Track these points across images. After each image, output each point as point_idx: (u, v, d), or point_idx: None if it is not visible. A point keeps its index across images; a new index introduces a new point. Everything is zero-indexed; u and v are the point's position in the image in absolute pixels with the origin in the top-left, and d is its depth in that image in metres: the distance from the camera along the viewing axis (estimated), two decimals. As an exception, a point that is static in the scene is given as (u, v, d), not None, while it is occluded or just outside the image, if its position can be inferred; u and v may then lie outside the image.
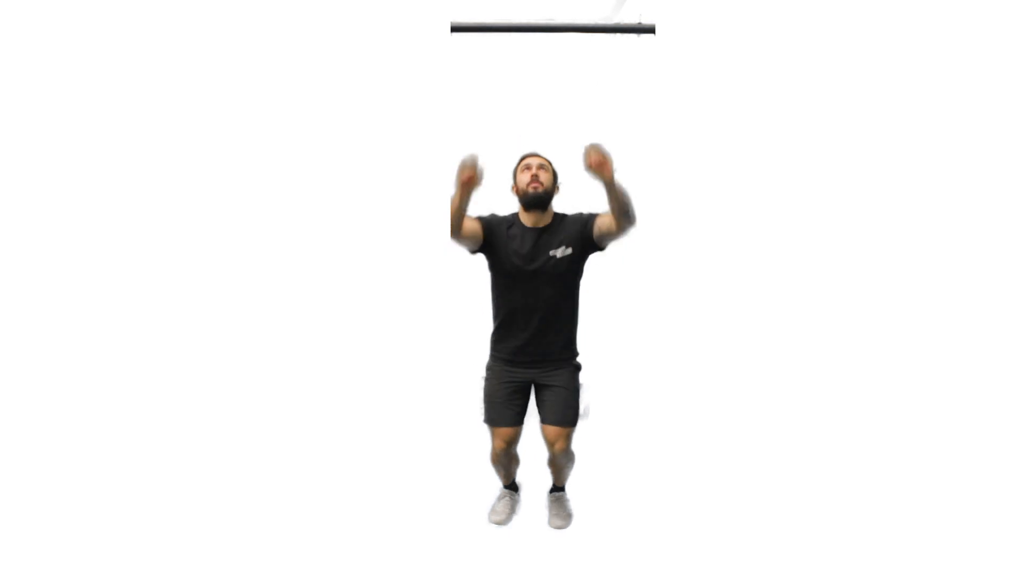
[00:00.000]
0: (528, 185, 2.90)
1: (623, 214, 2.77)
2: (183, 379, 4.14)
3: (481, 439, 3.41)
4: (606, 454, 3.53)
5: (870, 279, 4.38)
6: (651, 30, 2.82)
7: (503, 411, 3.01)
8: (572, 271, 2.89)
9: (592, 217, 2.88)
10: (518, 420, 3.03)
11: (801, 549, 2.77)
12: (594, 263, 3.28)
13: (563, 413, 2.98)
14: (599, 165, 2.65)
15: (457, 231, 2.88)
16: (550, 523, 3.14)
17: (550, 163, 2.97)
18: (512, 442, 3.06)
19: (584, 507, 3.11)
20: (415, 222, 4.60)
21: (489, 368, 3.07)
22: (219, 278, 4.39)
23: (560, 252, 2.86)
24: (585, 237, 2.87)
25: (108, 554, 2.74)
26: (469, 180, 2.75)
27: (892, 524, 2.92)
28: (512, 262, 2.86)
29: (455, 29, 2.83)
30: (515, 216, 2.96)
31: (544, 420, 3.01)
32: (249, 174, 4.42)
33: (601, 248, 2.90)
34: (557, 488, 3.25)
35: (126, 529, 2.89)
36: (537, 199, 2.89)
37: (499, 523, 3.14)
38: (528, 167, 2.93)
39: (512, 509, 3.22)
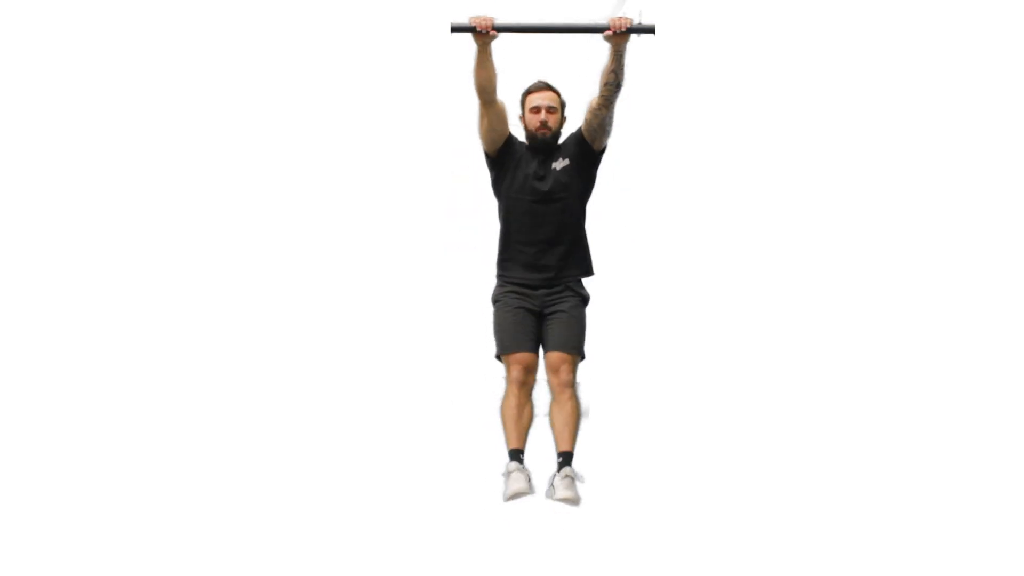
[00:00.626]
0: (537, 130, 2.97)
1: (617, 84, 2.86)
2: (186, 378, 4.13)
3: (487, 437, 3.37)
4: (608, 454, 3.51)
5: (867, 274, 4.37)
6: (651, 30, 2.82)
7: (516, 336, 2.98)
8: (573, 184, 2.96)
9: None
10: (533, 347, 2.99)
11: (804, 543, 2.77)
12: (597, 252, 3.26)
13: (566, 338, 2.97)
14: (621, 26, 2.78)
15: (490, 91, 2.89)
16: (557, 495, 2.89)
17: (558, 96, 3.02)
18: (529, 370, 2.98)
19: (588, 507, 3.08)
20: (415, 220, 4.60)
21: (497, 296, 3.05)
22: (219, 275, 4.37)
23: (559, 164, 2.94)
24: (579, 141, 2.96)
25: (107, 551, 2.73)
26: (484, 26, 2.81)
27: (891, 518, 2.92)
28: (523, 176, 2.94)
29: (455, 29, 2.83)
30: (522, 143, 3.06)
31: (547, 347, 2.99)
32: (249, 173, 4.41)
33: (595, 147, 2.96)
34: (564, 460, 2.97)
35: (125, 526, 2.89)
36: (545, 144, 2.98)
37: (518, 493, 2.89)
38: (537, 109, 2.98)
39: (529, 480, 2.94)
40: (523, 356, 2.98)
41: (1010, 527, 2.87)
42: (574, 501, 2.90)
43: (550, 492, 2.94)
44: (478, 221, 3.30)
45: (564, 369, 2.97)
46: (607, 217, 4.03)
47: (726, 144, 4.36)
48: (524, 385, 3.00)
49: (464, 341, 3.78)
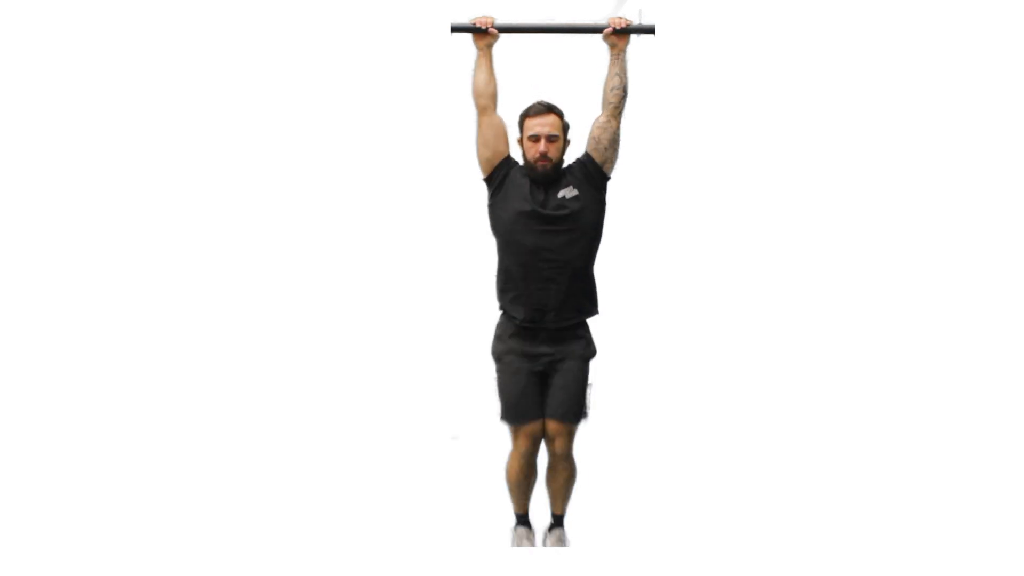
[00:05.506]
0: (537, 162, 2.72)
1: (623, 87, 2.75)
2: (185, 379, 4.13)
3: (490, 435, 3.33)
4: (608, 455, 3.51)
5: (867, 274, 4.37)
6: (651, 30, 2.82)
7: (521, 405, 2.78)
8: (582, 214, 2.72)
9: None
10: (539, 412, 2.80)
11: (803, 548, 2.77)
12: (600, 256, 3.21)
13: (568, 406, 2.79)
14: (620, 24, 2.69)
15: (488, 95, 2.76)
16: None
17: (560, 119, 2.77)
18: (535, 441, 2.82)
19: (587, 509, 3.08)
20: (415, 220, 4.60)
21: (497, 353, 2.84)
22: (219, 277, 4.37)
23: (568, 192, 2.71)
24: (585, 165, 2.77)
25: (105, 553, 2.74)
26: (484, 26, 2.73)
27: (892, 523, 2.92)
28: (522, 203, 2.71)
29: (455, 29, 2.84)
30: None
31: (547, 413, 2.80)
32: (249, 173, 4.41)
33: (605, 169, 2.77)
34: (556, 522, 3.00)
35: (124, 528, 2.89)
36: (545, 176, 2.73)
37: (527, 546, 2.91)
38: (536, 139, 2.72)
39: (533, 542, 2.97)
40: (530, 428, 2.81)
41: (1010, 527, 2.87)
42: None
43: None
44: (478, 221, 3.28)
45: (560, 442, 2.82)
46: (607, 218, 4.03)
47: (727, 145, 4.37)
48: (529, 455, 2.86)
49: (465, 340, 3.77)
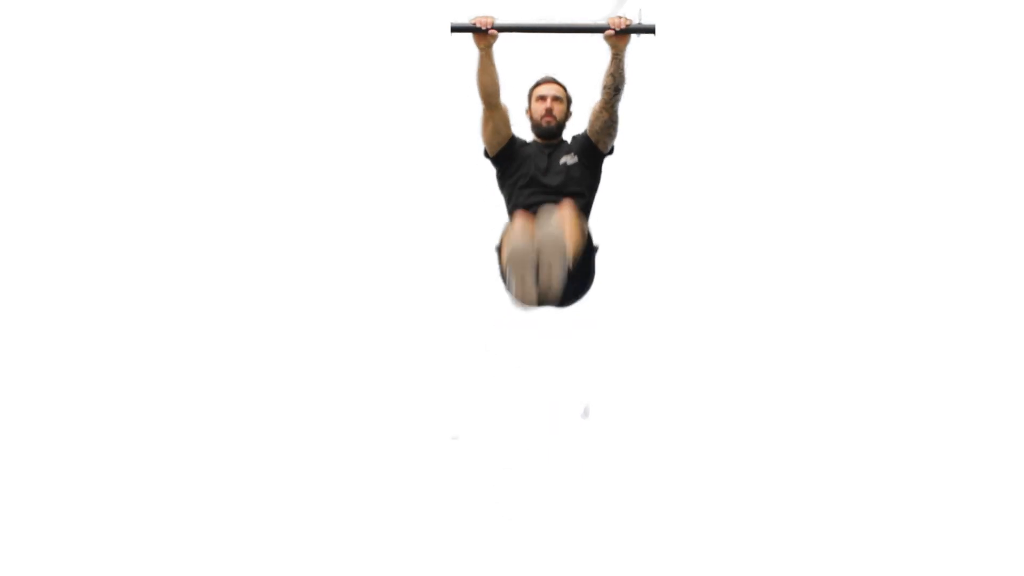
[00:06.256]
0: (542, 118, 2.96)
1: (616, 87, 2.85)
2: (184, 378, 4.13)
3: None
4: (607, 455, 3.52)
5: (867, 276, 4.37)
6: (651, 30, 2.83)
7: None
8: (583, 178, 2.94)
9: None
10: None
11: (801, 549, 2.77)
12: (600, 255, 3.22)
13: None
14: (620, 25, 2.77)
15: (494, 94, 2.88)
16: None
17: (565, 90, 3.02)
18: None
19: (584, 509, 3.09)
20: (415, 220, 4.60)
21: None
22: (219, 276, 4.37)
23: (567, 159, 2.92)
24: (584, 141, 2.95)
25: (104, 553, 2.74)
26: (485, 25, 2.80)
27: (892, 523, 2.92)
28: (528, 171, 2.92)
29: (455, 29, 2.84)
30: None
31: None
32: (249, 172, 4.42)
33: (600, 148, 2.94)
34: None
35: (121, 527, 2.89)
36: (549, 132, 2.97)
37: (527, 302, 2.72)
38: (543, 97, 2.98)
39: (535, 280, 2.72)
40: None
41: (1010, 527, 2.87)
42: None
43: None
44: (478, 221, 3.29)
45: (567, 203, 2.81)
46: (606, 218, 4.03)
47: (726, 144, 4.37)
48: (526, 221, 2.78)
49: (464, 340, 3.78)
